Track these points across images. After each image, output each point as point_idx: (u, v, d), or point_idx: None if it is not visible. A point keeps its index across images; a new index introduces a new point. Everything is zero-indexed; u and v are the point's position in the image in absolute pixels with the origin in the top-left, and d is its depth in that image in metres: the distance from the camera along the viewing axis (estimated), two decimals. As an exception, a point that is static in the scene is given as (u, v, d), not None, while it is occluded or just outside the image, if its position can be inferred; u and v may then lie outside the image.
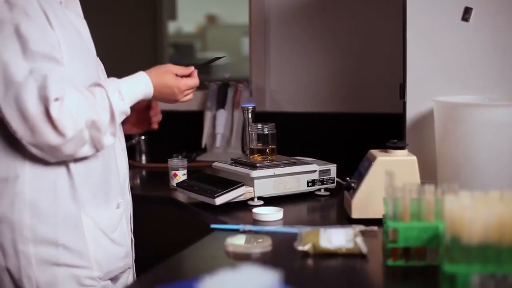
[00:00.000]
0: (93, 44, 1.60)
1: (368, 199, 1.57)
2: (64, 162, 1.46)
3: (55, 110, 1.36)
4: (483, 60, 1.77)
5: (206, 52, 6.42)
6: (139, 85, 1.54)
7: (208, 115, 2.56)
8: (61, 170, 1.47)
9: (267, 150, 1.88)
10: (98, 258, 1.50)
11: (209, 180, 1.85)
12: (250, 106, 2.03)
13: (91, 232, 1.50)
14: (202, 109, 2.59)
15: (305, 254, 1.32)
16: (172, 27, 5.88)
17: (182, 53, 6.10)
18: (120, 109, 1.46)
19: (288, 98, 2.56)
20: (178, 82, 1.63)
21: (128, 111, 1.50)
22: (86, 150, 1.44)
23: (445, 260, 1.05)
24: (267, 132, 1.89)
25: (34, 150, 1.41)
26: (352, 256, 1.30)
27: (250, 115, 2.00)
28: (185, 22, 6.35)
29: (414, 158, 1.59)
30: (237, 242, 1.38)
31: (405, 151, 1.62)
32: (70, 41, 1.48)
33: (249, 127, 1.92)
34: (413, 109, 1.81)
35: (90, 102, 1.42)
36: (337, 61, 2.49)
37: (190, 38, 6.57)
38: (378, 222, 1.49)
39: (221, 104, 2.57)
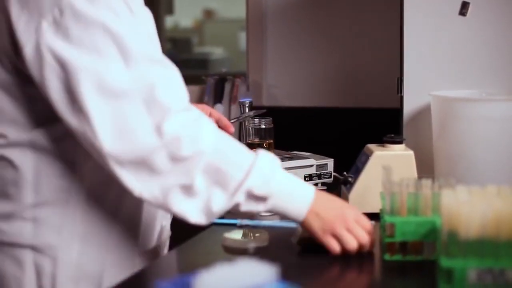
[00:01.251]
0: None
1: (365, 193, 1.57)
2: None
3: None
4: (481, 55, 1.77)
5: (203, 47, 6.42)
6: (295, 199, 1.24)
7: (205, 110, 2.56)
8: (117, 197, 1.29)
9: (264, 145, 1.88)
10: None
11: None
12: (247, 101, 2.02)
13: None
14: (199, 103, 2.58)
15: (302, 248, 1.32)
16: (169, 21, 5.88)
17: (180, 48, 6.10)
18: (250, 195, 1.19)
19: (285, 92, 2.56)
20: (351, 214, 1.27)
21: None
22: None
23: (442, 255, 1.04)
24: (264, 126, 1.89)
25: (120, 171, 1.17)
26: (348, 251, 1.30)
27: (247, 110, 1.99)
28: (182, 16, 6.34)
29: (411, 152, 1.59)
30: (234, 236, 1.38)
31: (402, 146, 1.62)
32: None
33: (246, 122, 1.92)
34: (410, 104, 1.81)
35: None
36: (334, 55, 2.48)
37: (187, 33, 6.57)
38: (375, 216, 1.49)
39: (218, 99, 2.56)
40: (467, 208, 1.01)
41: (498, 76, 1.77)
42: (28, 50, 1.17)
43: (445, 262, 1.02)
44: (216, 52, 6.16)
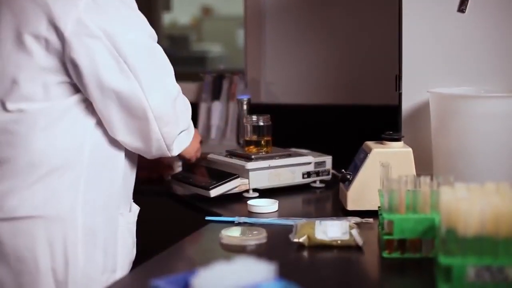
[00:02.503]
0: None
1: (363, 191, 1.57)
2: (122, 157, 1.49)
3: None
4: (479, 51, 1.77)
5: (201, 44, 6.41)
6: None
7: (203, 107, 2.56)
8: (119, 163, 1.49)
9: (262, 142, 1.88)
10: (123, 263, 1.50)
11: (204, 172, 1.85)
12: (245, 98, 2.02)
13: (122, 234, 1.51)
14: (197, 101, 2.58)
15: (300, 246, 1.32)
16: (167, 19, 5.87)
17: (178, 45, 6.09)
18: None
19: (283, 90, 2.55)
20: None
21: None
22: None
23: (440, 252, 1.04)
24: (262, 124, 1.88)
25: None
26: (347, 248, 1.30)
27: (245, 107, 1.99)
28: (180, 14, 6.33)
29: (410, 149, 1.59)
30: (232, 234, 1.38)
31: (400, 143, 1.62)
32: None
33: (244, 119, 1.91)
34: (408, 101, 1.81)
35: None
36: (333, 52, 2.48)
37: (185, 30, 6.56)
38: (373, 214, 1.49)
39: (216, 96, 2.56)
40: (466, 205, 1.01)
41: (497, 73, 1.77)
42: (70, 27, 1.32)
43: (443, 259, 1.02)
44: (214, 49, 6.16)
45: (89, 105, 1.42)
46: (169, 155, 1.53)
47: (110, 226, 1.46)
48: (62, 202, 1.39)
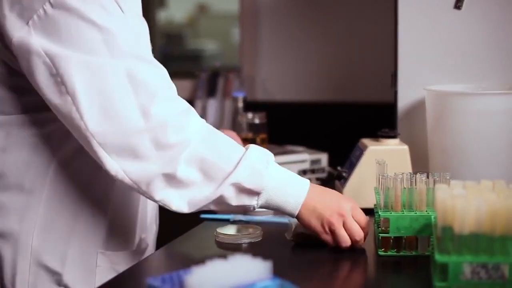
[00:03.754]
0: None
1: (359, 188, 1.56)
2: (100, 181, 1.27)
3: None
4: (475, 49, 1.77)
5: (196, 42, 6.41)
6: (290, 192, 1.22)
7: (198, 104, 2.55)
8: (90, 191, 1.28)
9: (258, 140, 1.87)
10: None
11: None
12: (240, 95, 2.02)
13: (104, 273, 1.30)
14: (192, 99, 2.57)
15: (296, 244, 1.31)
16: (162, 16, 5.86)
17: (173, 43, 6.09)
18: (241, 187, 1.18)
19: (279, 87, 2.55)
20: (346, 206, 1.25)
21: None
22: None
23: (436, 250, 1.04)
24: (257, 121, 1.88)
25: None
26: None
27: (240, 104, 1.99)
28: (175, 11, 6.33)
29: (406, 147, 1.58)
30: (227, 232, 1.37)
31: (396, 140, 1.61)
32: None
33: (240, 117, 1.91)
34: (404, 98, 1.81)
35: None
36: (329, 49, 2.47)
37: (181, 28, 6.55)
38: (369, 211, 1.48)
39: (211, 93, 2.55)
40: (462, 203, 1.01)
41: (493, 70, 1.76)
42: (16, 41, 1.17)
43: (439, 257, 1.02)
44: (210, 46, 6.16)
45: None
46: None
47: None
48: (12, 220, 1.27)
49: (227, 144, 1.21)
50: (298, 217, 1.24)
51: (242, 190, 1.19)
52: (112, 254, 1.32)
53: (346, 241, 1.23)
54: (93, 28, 1.16)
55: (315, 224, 1.23)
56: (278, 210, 1.25)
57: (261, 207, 1.23)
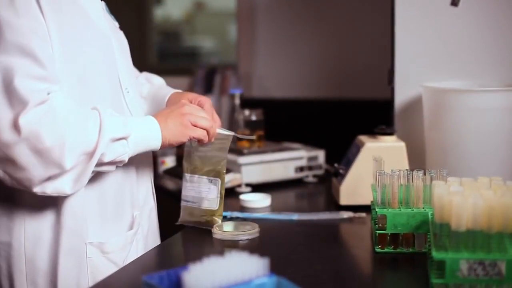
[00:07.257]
0: (109, 22, 1.40)
1: (356, 185, 1.56)
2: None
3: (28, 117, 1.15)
4: (472, 46, 1.77)
5: (193, 39, 6.40)
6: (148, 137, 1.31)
7: (195, 102, 2.55)
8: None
9: (255, 136, 1.87)
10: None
11: (196, 166, 1.83)
12: (237, 92, 2.01)
13: (95, 263, 1.31)
14: (189, 96, 2.57)
15: (294, 241, 1.31)
16: (159, 13, 5.85)
17: (170, 40, 6.08)
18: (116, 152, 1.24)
19: (276, 84, 2.55)
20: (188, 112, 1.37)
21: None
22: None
23: (433, 247, 1.04)
24: (254, 118, 1.88)
25: None
26: (339, 243, 1.30)
27: (237, 101, 1.98)
28: (172, 8, 6.32)
29: (403, 144, 1.58)
30: (224, 229, 1.37)
31: (393, 137, 1.61)
32: (68, 25, 1.27)
33: (237, 113, 1.91)
34: (401, 95, 1.81)
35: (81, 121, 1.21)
36: (326, 47, 2.47)
37: (178, 25, 6.54)
38: (366, 208, 1.49)
39: (208, 90, 2.55)
40: (459, 199, 1.01)
41: (489, 67, 1.76)
42: None
43: (436, 254, 1.02)
44: (207, 43, 6.15)
45: None
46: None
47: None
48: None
49: (83, 125, 1.22)
50: (163, 144, 1.32)
51: (113, 141, 1.23)
52: (101, 244, 1.32)
53: (204, 121, 1.35)
54: None
55: (177, 136, 1.33)
56: (145, 149, 1.31)
57: (131, 153, 1.28)
